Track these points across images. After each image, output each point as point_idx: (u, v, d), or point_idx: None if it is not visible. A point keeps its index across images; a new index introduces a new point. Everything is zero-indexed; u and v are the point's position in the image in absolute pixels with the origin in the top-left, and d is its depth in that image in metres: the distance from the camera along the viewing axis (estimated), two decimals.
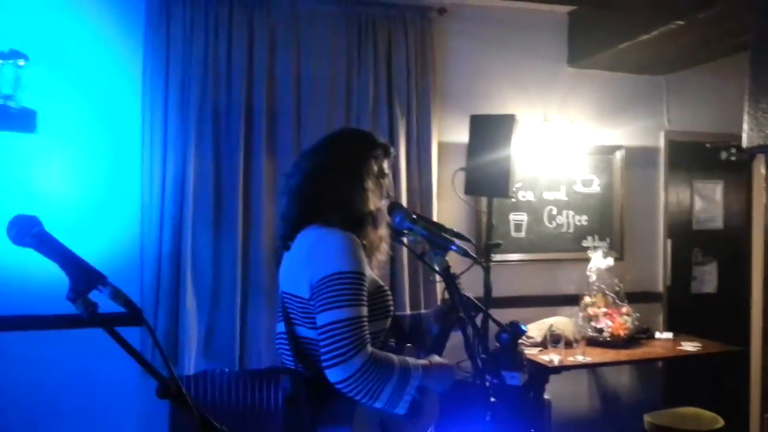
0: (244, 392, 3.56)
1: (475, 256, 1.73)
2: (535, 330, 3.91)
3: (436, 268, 1.75)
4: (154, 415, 3.35)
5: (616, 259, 4.13)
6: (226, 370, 3.51)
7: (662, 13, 3.06)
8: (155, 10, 3.36)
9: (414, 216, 1.79)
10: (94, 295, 1.03)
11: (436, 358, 1.82)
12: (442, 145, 3.88)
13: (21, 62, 3.09)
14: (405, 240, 2.01)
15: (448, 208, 3.87)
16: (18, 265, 3.02)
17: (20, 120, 3.16)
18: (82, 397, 3.36)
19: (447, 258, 1.77)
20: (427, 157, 3.77)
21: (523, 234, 4.17)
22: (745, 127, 1.41)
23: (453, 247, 1.69)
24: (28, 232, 0.97)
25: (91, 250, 3.18)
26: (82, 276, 0.95)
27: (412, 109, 3.75)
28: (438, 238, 1.74)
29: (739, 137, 4.51)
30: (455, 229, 1.90)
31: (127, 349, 0.94)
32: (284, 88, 3.55)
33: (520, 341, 2.10)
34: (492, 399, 1.80)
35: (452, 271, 2.05)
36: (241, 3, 3.48)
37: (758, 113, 1.36)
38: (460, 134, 3.82)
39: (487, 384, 1.78)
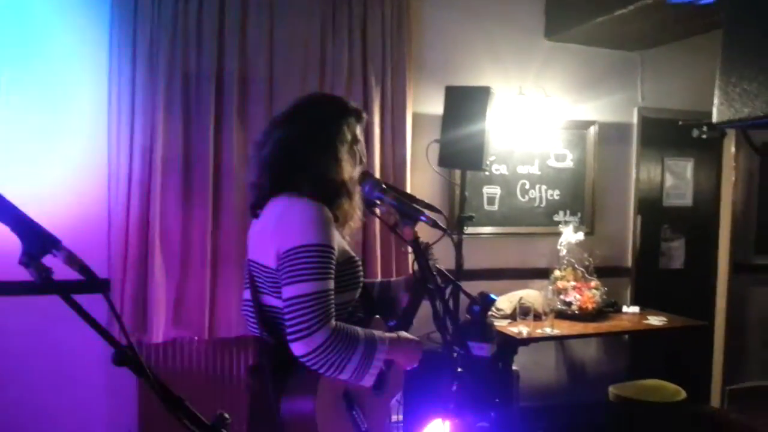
0: (213, 361, 3.56)
1: (444, 227, 1.70)
2: (506, 302, 3.95)
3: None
4: (122, 383, 3.32)
5: (586, 234, 4.17)
6: (196, 338, 3.50)
7: None
8: None
9: (384, 186, 1.77)
10: (49, 261, 0.98)
11: (404, 334, 1.81)
12: (416, 116, 3.86)
13: None
14: (377, 211, 1.99)
15: (421, 180, 3.85)
16: None
17: None
18: (49, 365, 3.32)
19: (417, 229, 1.76)
20: (401, 128, 3.74)
21: (496, 207, 4.18)
22: (716, 101, 1.40)
23: (422, 218, 1.67)
24: None
25: (57, 217, 3.20)
26: (36, 239, 0.91)
27: (387, 79, 3.70)
28: (407, 208, 1.72)
29: (711, 115, 4.60)
30: (427, 201, 1.88)
31: (82, 315, 0.91)
32: (256, 53, 3.48)
33: (489, 313, 2.12)
34: (459, 369, 1.81)
35: (423, 242, 2.05)
36: None
37: (728, 87, 1.36)
38: (435, 106, 3.79)
39: (455, 355, 1.78)
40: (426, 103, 3.90)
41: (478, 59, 4.04)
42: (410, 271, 3.63)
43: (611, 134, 4.46)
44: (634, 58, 4.45)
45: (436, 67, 3.94)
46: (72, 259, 0.91)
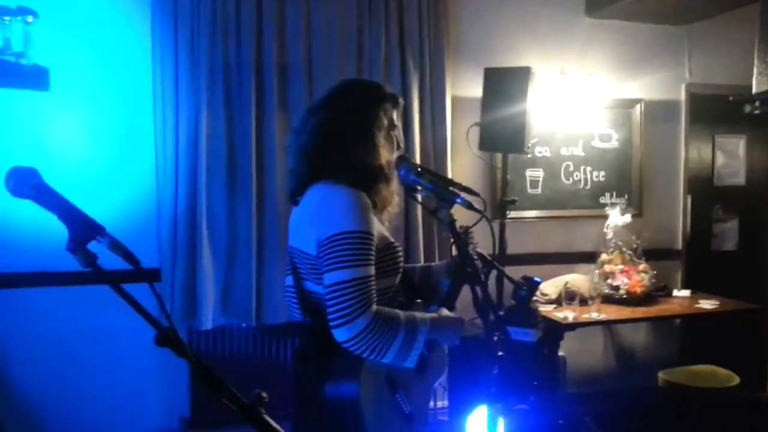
0: (261, 347, 3.63)
1: (480, 209, 1.68)
2: (551, 287, 3.90)
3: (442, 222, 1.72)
4: (174, 369, 3.41)
5: (634, 216, 4.08)
6: (243, 325, 3.57)
7: None
8: None
9: (419, 169, 1.76)
10: (95, 247, 1.02)
11: (444, 312, 1.81)
12: (456, 100, 3.82)
13: (30, 18, 3.06)
14: (419, 197, 1.98)
15: (462, 164, 3.82)
16: (28, 222, 3.08)
17: (33, 77, 3.15)
18: (102, 353, 3.43)
19: (456, 213, 1.75)
20: (441, 112, 3.71)
21: (539, 190, 4.12)
22: (755, 72, 1.37)
23: (458, 200, 1.66)
24: (27, 182, 0.96)
25: (107, 209, 3.31)
26: (81, 227, 0.94)
27: (425, 63, 3.68)
28: (442, 190, 1.71)
29: (764, 91, 4.41)
30: (465, 185, 1.87)
31: (127, 299, 0.94)
32: (294, 41, 3.50)
33: (534, 298, 2.10)
34: (500, 353, 1.80)
35: (462, 226, 2.04)
36: None
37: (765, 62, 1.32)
38: (475, 88, 3.75)
39: (496, 339, 1.77)
40: (465, 86, 3.86)
41: (517, 40, 3.98)
42: (451, 255, 3.65)
43: (658, 112, 4.33)
44: (679, 32, 4.30)
45: (475, 50, 3.89)
46: (116, 245, 0.94)
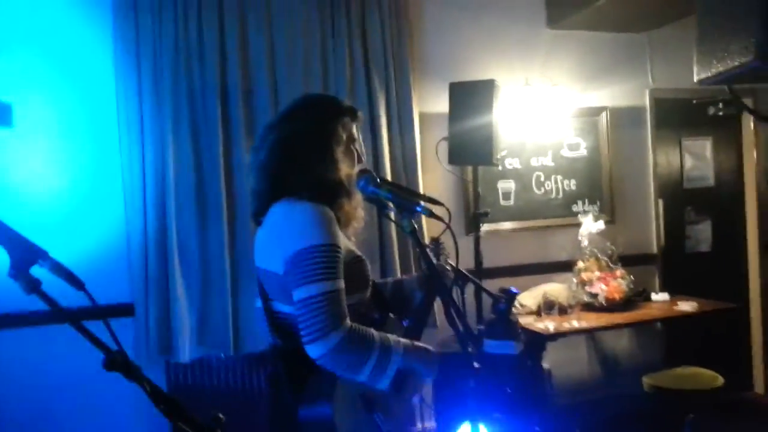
0: (242, 376, 3.55)
1: (441, 217, 1.65)
2: (529, 298, 3.89)
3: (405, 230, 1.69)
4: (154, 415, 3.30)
5: (607, 223, 4.10)
6: (222, 355, 3.50)
7: None
8: None
9: (379, 180, 1.74)
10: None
11: (418, 343, 1.77)
12: (423, 116, 3.83)
13: None
14: (391, 214, 1.96)
15: (433, 179, 3.82)
16: None
17: None
18: (77, 393, 3.32)
19: (433, 229, 1.73)
20: (409, 128, 3.72)
21: (511, 202, 4.13)
22: (695, 59, 1.52)
23: (418, 208, 1.64)
24: None
25: (76, 243, 3.23)
26: (21, 251, 0.91)
27: (391, 80, 3.69)
28: (402, 200, 1.69)
29: (725, 93, 4.49)
30: (433, 197, 1.85)
31: (71, 322, 0.89)
32: (258, 65, 3.49)
33: (514, 310, 2.08)
34: (476, 365, 1.77)
35: (434, 237, 2.02)
36: None
37: (703, 47, 1.49)
38: (442, 103, 3.75)
39: (470, 350, 1.73)
40: (432, 101, 3.88)
41: (481, 54, 4.01)
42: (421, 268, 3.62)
43: (624, 119, 4.38)
44: (641, 39, 4.38)
45: (440, 65, 3.92)
46: (58, 268, 0.90)
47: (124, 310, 3.34)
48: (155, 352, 3.33)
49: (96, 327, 0.98)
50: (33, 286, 0.91)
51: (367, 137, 3.59)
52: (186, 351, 3.37)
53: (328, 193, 1.68)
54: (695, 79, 1.48)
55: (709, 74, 1.44)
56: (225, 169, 3.42)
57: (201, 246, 3.41)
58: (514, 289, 1.91)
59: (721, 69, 1.39)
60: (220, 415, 0.88)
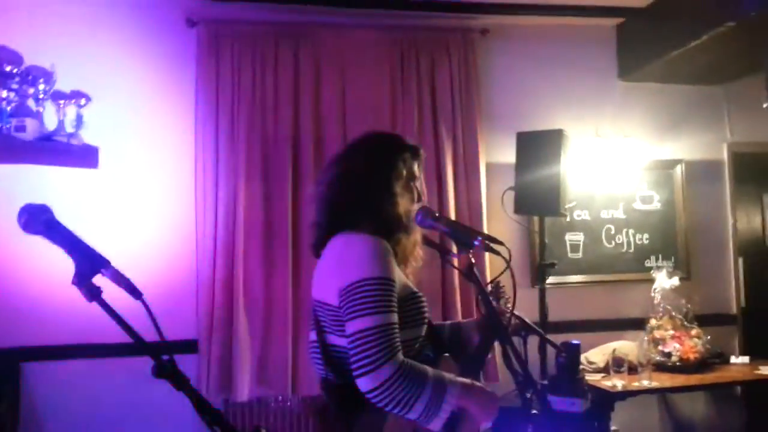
0: (298, 417, 3.55)
1: (500, 252, 1.63)
2: (598, 355, 3.73)
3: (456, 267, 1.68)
4: None
5: (682, 279, 3.92)
6: (280, 397, 3.51)
7: (710, 15, 2.94)
8: (204, 47, 3.51)
9: (437, 214, 1.75)
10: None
11: (478, 384, 1.72)
12: (490, 166, 3.83)
13: (83, 101, 3.25)
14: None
15: (499, 228, 3.77)
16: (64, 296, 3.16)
17: (83, 156, 3.31)
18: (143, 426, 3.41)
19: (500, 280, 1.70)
20: (475, 177, 3.73)
21: (580, 254, 4.03)
22: None
23: (475, 242, 1.62)
24: (38, 218, 1.00)
25: (151, 281, 3.36)
26: (86, 260, 0.96)
27: (458, 130, 3.73)
28: (459, 234, 1.68)
29: None
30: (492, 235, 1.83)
31: (123, 326, 0.94)
32: (330, 116, 3.62)
33: (581, 367, 1.99)
34: (533, 411, 1.71)
35: (494, 281, 1.99)
36: (286, 36, 3.59)
37: None
38: (508, 154, 3.74)
39: (534, 413, 1.68)
40: (500, 151, 3.88)
41: (550, 105, 4.00)
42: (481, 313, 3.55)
43: (700, 173, 4.24)
44: (717, 92, 4.26)
45: (508, 115, 3.92)
46: (119, 277, 0.95)
47: (189, 346, 3.43)
48: (215, 390, 3.38)
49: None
50: (94, 294, 0.96)
51: (433, 187, 3.62)
52: (245, 390, 3.41)
53: (387, 227, 1.70)
54: (764, 105, 1.38)
55: None
56: (292, 214, 3.52)
57: (266, 287, 3.49)
58: (575, 341, 1.85)
59: None
60: (262, 428, 0.88)
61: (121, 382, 3.37)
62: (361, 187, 1.72)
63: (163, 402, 3.26)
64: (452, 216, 3.63)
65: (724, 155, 4.31)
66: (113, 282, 0.97)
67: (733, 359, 3.85)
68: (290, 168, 3.54)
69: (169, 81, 3.60)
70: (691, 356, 3.61)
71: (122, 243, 3.44)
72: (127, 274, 1.05)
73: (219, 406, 3.39)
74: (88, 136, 3.31)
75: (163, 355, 0.92)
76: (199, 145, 3.50)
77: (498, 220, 3.78)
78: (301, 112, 3.59)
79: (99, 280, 0.98)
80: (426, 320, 1.74)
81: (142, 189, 3.54)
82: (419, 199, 1.83)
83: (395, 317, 1.56)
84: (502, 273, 1.79)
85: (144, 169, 3.55)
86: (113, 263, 0.98)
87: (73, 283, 0.96)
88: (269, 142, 3.56)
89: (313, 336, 1.75)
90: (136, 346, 0.91)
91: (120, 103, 3.52)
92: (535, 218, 3.77)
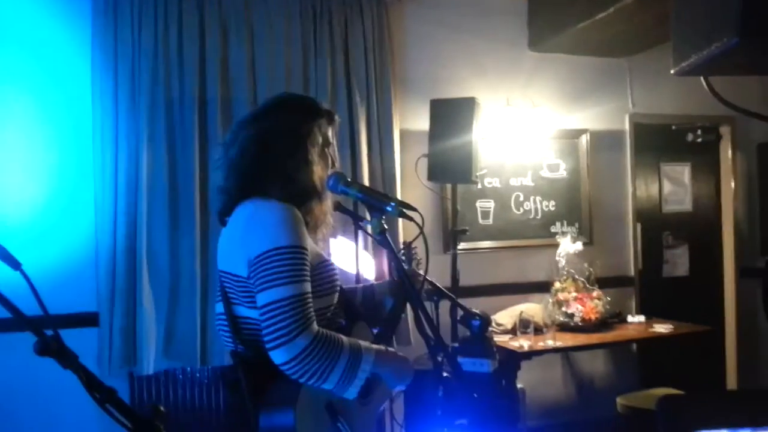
0: (208, 390, 3.46)
1: (413, 218, 1.61)
2: (505, 317, 3.86)
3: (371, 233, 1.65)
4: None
5: (585, 244, 4.09)
6: (188, 368, 3.41)
7: None
8: (101, 1, 3.26)
9: (348, 180, 1.70)
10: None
11: (392, 349, 1.72)
12: (404, 132, 3.83)
13: None
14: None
15: (412, 196, 3.79)
16: None
17: None
18: (36, 402, 3.22)
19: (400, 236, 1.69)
20: (389, 145, 3.71)
21: (490, 221, 4.11)
22: (672, 51, 1.44)
23: (388, 208, 1.60)
24: None
25: (45, 249, 3.15)
26: None
27: (372, 97, 3.69)
28: (372, 199, 1.65)
29: (705, 118, 4.54)
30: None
31: (5, 304, 0.84)
32: (239, 78, 3.47)
33: (489, 329, 2.05)
34: (444, 374, 1.73)
35: (406, 241, 1.99)
36: None
37: (682, 33, 1.40)
38: (422, 121, 3.75)
39: (445, 375, 1.70)
40: (413, 118, 3.87)
41: (462, 73, 4.02)
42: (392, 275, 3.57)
43: (604, 142, 4.41)
44: (621, 64, 4.42)
45: (421, 83, 3.92)
46: None
47: (90, 319, 3.26)
48: (118, 363, 3.24)
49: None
50: None
51: (346, 152, 3.57)
52: (151, 363, 3.29)
53: (299, 194, 1.63)
54: (672, 71, 1.40)
55: (687, 63, 1.35)
56: (199, 178, 3.38)
57: (171, 255, 3.36)
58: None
59: (699, 55, 1.30)
60: (161, 407, 0.83)
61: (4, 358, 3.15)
62: (274, 153, 1.63)
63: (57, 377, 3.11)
64: (366, 182, 3.60)
65: (626, 125, 4.49)
66: None
67: (630, 318, 4.08)
68: (197, 130, 3.38)
69: (63, 36, 3.34)
70: (592, 317, 3.79)
71: (10, 207, 3.19)
72: (17, 241, 0.95)
73: (123, 380, 3.25)
74: None
75: (47, 330, 0.83)
76: (97, 106, 3.28)
77: (412, 186, 3.79)
78: (208, 74, 3.42)
79: None
80: (337, 288, 1.71)
81: (34, 148, 3.28)
82: (333, 166, 1.77)
83: (308, 287, 1.52)
84: (415, 239, 1.79)
85: (35, 133, 3.28)
86: None
87: None
88: (173, 103, 3.38)
89: (220, 308, 1.67)
90: (16, 321, 0.82)
91: (7, 62, 3.24)
92: (448, 185, 3.80)
